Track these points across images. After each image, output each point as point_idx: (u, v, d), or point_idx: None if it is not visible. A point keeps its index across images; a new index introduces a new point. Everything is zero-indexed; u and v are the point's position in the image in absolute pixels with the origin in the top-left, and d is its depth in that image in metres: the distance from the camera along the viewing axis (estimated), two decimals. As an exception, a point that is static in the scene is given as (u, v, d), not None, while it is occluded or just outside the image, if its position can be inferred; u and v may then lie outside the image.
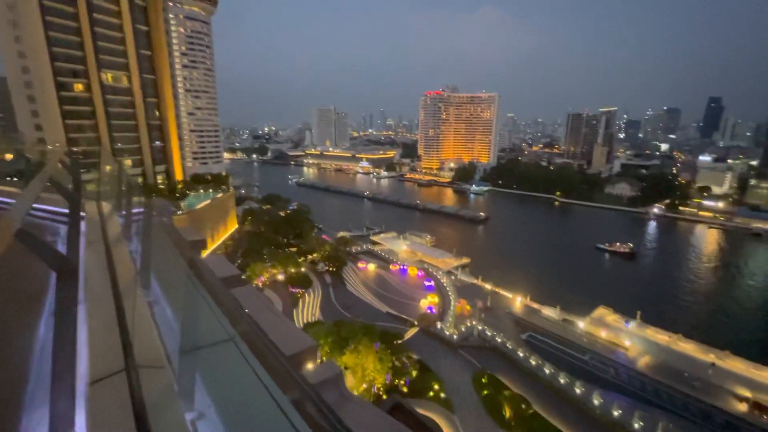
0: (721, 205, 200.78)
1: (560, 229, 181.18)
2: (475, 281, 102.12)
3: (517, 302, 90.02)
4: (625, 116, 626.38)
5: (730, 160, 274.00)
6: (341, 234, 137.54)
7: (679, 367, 66.39)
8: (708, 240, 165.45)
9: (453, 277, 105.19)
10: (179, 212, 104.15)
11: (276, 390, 2.73)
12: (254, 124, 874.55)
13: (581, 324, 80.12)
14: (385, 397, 51.05)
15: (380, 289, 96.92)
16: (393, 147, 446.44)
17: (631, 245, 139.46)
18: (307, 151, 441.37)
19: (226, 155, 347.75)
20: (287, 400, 2.71)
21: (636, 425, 51.45)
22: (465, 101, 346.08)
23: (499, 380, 60.66)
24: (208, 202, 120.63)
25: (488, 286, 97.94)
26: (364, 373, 52.31)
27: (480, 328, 75.14)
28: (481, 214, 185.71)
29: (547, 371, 62.66)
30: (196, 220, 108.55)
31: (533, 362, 65.13)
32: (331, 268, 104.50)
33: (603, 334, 76.74)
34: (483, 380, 60.44)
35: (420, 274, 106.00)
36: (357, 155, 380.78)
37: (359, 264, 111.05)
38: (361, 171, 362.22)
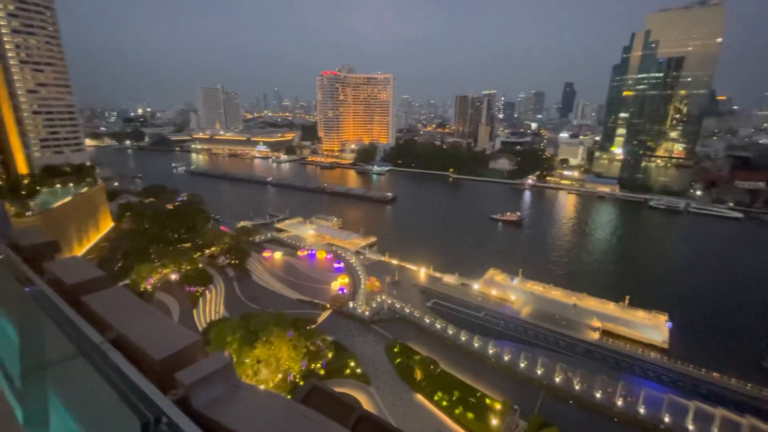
0: (576, 174, 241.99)
1: (458, 203, 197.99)
2: (382, 258, 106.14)
3: (422, 273, 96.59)
4: (503, 98, 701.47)
5: (581, 137, 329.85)
6: (242, 224, 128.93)
7: (551, 311, 79.67)
8: (568, 204, 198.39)
9: (362, 257, 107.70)
10: (28, 213, 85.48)
11: (148, 395, 2.41)
12: (123, 105, 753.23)
13: (476, 286, 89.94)
14: (302, 383, 50.72)
15: (289, 276, 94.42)
16: (292, 129, 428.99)
17: (519, 214, 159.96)
18: (194, 135, 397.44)
19: (89, 142, 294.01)
20: (165, 402, 2.42)
21: (522, 365, 60.53)
22: (362, 82, 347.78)
23: (410, 347, 65.06)
24: (68, 199, 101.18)
25: (395, 262, 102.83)
26: (278, 364, 51.01)
27: (390, 302, 78.95)
28: (389, 194, 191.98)
29: (450, 332, 69.27)
30: (55, 222, 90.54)
31: (438, 326, 71.25)
32: (233, 261, 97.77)
33: (494, 292, 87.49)
34: (395, 350, 64.13)
35: (329, 256, 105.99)
36: (253, 138, 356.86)
37: (264, 253, 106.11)
38: (258, 155, 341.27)
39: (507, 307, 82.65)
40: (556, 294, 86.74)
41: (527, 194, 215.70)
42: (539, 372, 58.75)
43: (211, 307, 79.10)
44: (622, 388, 54.27)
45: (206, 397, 2.56)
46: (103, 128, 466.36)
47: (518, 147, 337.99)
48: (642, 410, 51.62)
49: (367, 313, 75.43)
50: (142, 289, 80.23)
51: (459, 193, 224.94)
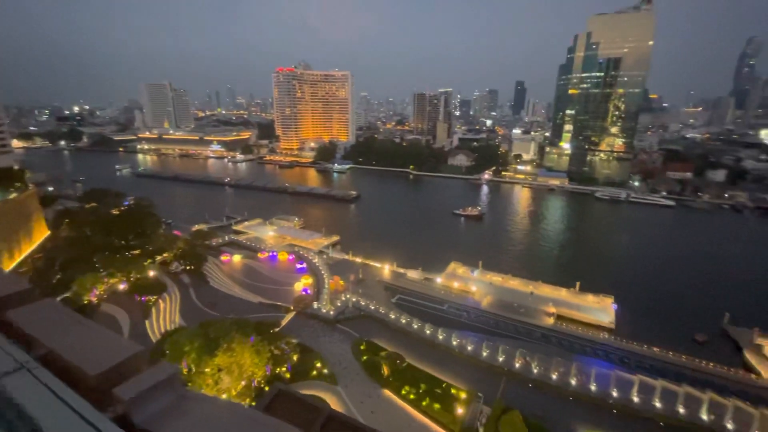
0: (529, 168, 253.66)
1: (420, 200, 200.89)
2: (346, 257, 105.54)
3: (386, 270, 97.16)
4: (458, 96, 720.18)
5: (533, 133, 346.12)
6: (197, 227, 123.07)
7: (510, 299, 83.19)
8: (522, 197, 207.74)
9: (325, 256, 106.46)
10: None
11: (82, 414, 2.19)
12: (56, 103, 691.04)
13: (439, 279, 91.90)
14: (267, 388, 49.35)
15: (250, 279, 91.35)
16: (247, 127, 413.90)
17: (480, 208, 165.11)
18: (140, 135, 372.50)
19: (16, 143, 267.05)
20: (101, 421, 2.21)
21: (484, 353, 62.75)
22: (319, 79, 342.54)
23: (376, 344, 65.32)
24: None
25: (359, 260, 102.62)
26: (241, 370, 49.24)
27: (354, 300, 78.73)
28: (352, 192, 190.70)
29: (415, 326, 70.34)
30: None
31: (403, 321, 72.09)
32: (188, 267, 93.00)
33: (456, 284, 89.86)
34: (362, 347, 64.12)
35: (291, 257, 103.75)
36: (206, 138, 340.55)
37: (222, 257, 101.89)
38: (212, 155, 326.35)
39: (469, 298, 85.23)
40: (514, 283, 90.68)
41: (484, 189, 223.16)
42: (501, 359, 61.20)
43: (165, 316, 74.77)
44: (575, 369, 57.85)
45: (150, 411, 2.37)
46: (33, 128, 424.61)
47: (475, 143, 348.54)
48: (593, 387, 55.34)
49: (332, 312, 74.75)
50: (85, 302, 74.30)
51: (420, 189, 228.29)
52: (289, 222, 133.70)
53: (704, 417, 50.14)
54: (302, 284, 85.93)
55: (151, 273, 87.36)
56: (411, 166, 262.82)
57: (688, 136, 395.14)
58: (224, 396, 47.66)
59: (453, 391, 54.03)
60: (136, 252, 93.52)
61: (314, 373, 57.55)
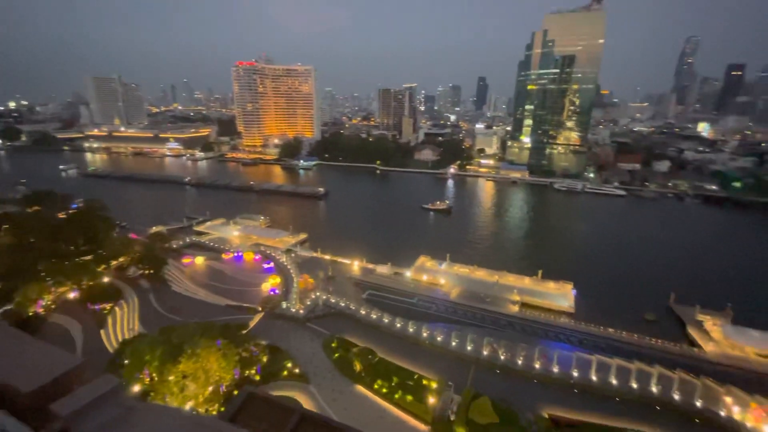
0: (491, 162, 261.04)
1: (388, 195, 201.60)
2: (315, 254, 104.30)
3: (356, 266, 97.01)
4: (423, 92, 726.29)
5: (494, 127, 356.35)
6: (155, 229, 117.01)
7: (477, 290, 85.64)
8: (486, 190, 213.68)
9: (293, 255, 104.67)
10: None
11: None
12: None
13: (408, 273, 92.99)
14: (236, 393, 48.03)
15: (214, 281, 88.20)
16: (207, 124, 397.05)
17: (447, 202, 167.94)
18: (87, 132, 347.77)
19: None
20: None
21: (453, 343, 64.32)
22: (282, 74, 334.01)
23: (348, 340, 65.25)
24: None
25: (328, 257, 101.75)
26: (207, 376, 47.59)
27: (324, 297, 78.07)
28: (320, 189, 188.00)
29: (386, 320, 70.87)
30: None
31: (374, 316, 72.41)
32: (147, 271, 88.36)
33: (425, 278, 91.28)
34: (333, 345, 63.84)
35: (257, 257, 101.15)
36: (162, 135, 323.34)
37: (184, 259, 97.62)
38: (170, 153, 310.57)
39: (437, 290, 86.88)
40: (481, 274, 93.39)
41: (450, 183, 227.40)
42: (469, 348, 62.97)
43: (123, 324, 70.75)
44: (539, 353, 60.61)
45: (91, 426, 2.22)
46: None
47: (440, 138, 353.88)
48: (556, 369, 58.27)
49: (301, 311, 73.77)
50: (31, 313, 68.85)
51: (388, 184, 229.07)
52: (255, 221, 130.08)
53: (654, 390, 54.17)
54: (270, 284, 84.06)
55: (106, 279, 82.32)
56: (378, 162, 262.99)
57: (635, 130, 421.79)
58: (191, 403, 45.95)
59: (424, 382, 55.06)
60: (88, 258, 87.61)
61: (285, 373, 56.68)
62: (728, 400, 51.38)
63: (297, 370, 57.42)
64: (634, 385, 54.96)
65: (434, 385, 53.81)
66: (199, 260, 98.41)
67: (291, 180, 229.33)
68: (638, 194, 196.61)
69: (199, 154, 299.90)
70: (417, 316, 74.06)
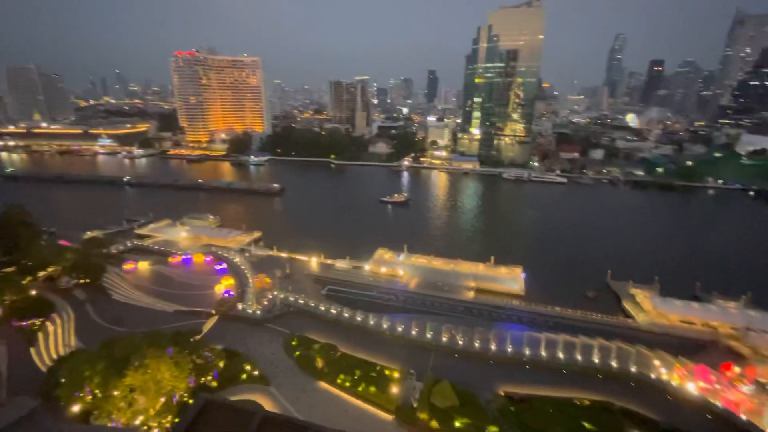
0: (444, 153, 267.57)
1: (345, 189, 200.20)
2: (271, 253, 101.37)
3: (314, 262, 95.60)
4: (375, 84, 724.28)
5: (446, 120, 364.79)
6: (90, 234, 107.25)
7: (434, 279, 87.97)
8: (440, 181, 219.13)
9: (247, 254, 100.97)
10: None
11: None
12: None
13: (367, 267, 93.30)
14: (191, 401, 45.79)
15: (162, 287, 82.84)
16: (145, 119, 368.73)
17: (405, 195, 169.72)
18: (1, 130, 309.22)
19: None
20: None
21: (413, 332, 65.72)
22: (227, 65, 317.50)
23: (309, 338, 64.37)
24: None
25: (285, 255, 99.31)
26: (159, 387, 44.78)
27: (282, 296, 76.24)
28: (276, 185, 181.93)
29: (346, 315, 70.73)
30: None
31: (334, 311, 71.96)
32: (82, 281, 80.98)
33: (383, 270, 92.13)
34: (293, 343, 62.70)
35: (208, 259, 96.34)
36: (92, 131, 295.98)
37: (126, 265, 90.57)
38: (102, 151, 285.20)
39: (396, 282, 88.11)
40: (437, 263, 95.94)
41: (405, 175, 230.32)
42: (429, 336, 64.67)
43: (56, 341, 64.40)
44: (493, 335, 63.68)
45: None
46: None
47: (393, 131, 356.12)
48: (509, 349, 61.58)
49: (259, 312, 71.55)
50: (-58, 337, 60.58)
51: (344, 178, 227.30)
52: (204, 221, 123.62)
53: (596, 360, 59.07)
54: (224, 286, 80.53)
55: (33, 292, 74.32)
56: (332, 156, 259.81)
57: (574, 121, 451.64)
58: (141, 418, 43.10)
59: (387, 372, 55.84)
60: (10, 269, 78.41)
61: (244, 377, 54.83)
62: (657, 363, 57.32)
63: (257, 373, 55.76)
64: (579, 358, 59.53)
65: (396, 374, 54.78)
66: (143, 265, 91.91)
67: (242, 177, 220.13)
68: (577, 181, 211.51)
69: (137, 151, 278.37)
70: (377, 309, 74.65)
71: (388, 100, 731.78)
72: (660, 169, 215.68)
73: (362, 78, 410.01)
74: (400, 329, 66.60)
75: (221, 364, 55.21)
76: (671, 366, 56.37)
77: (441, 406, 48.60)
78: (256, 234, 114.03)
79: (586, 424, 47.49)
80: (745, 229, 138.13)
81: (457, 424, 46.49)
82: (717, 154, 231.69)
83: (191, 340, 58.53)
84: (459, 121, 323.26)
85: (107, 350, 48.29)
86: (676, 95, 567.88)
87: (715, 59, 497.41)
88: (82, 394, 44.45)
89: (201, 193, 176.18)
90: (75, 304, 74.64)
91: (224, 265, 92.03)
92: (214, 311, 72.40)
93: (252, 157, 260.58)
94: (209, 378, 53.00)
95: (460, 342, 63.31)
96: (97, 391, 44.12)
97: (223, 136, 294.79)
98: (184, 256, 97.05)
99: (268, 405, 50.14)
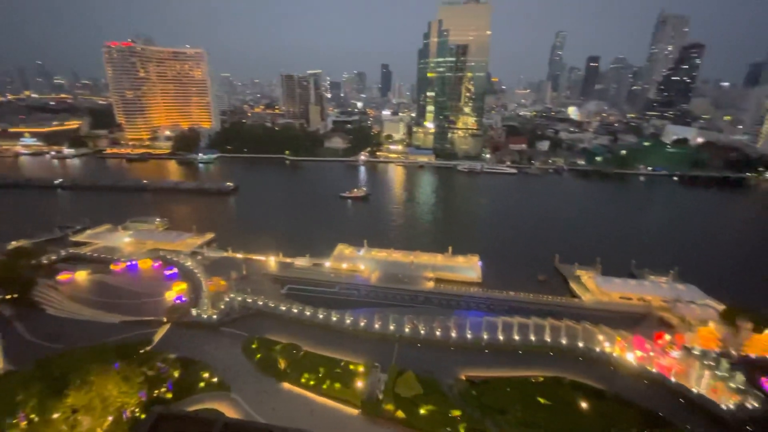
0: (400, 147, 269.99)
1: (303, 185, 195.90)
2: (225, 254, 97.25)
3: (272, 262, 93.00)
4: (328, 78, 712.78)
5: (401, 114, 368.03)
6: (16, 244, 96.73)
7: (395, 271, 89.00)
8: (397, 175, 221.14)
9: (199, 257, 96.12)
10: None
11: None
12: None
13: (327, 263, 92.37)
14: (143, 416, 42.92)
15: (104, 297, 76.71)
16: (75, 115, 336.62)
17: (365, 189, 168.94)
18: None
19: None
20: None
21: (376, 325, 66.18)
22: (168, 57, 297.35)
23: (269, 339, 62.69)
24: None
25: (240, 255, 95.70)
26: (105, 404, 41.62)
27: (240, 298, 73.53)
28: (229, 184, 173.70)
29: (308, 313, 69.69)
30: None
31: (295, 310, 70.61)
32: (9, 296, 72.97)
33: (344, 265, 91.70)
34: (254, 346, 60.81)
35: (157, 264, 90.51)
36: (11, 129, 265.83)
37: (60, 276, 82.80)
38: (25, 151, 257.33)
39: (357, 276, 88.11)
40: (397, 256, 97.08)
41: (362, 170, 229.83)
42: (392, 327, 65.44)
43: (-20, 364, 57.60)
44: (453, 322, 65.75)
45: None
46: None
47: (349, 125, 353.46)
48: (469, 335, 63.92)
49: (215, 316, 68.48)
50: None
51: (300, 174, 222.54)
52: (150, 224, 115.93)
53: (548, 339, 62.96)
54: (175, 292, 76.20)
55: (-52, 312, 65.88)
56: (287, 152, 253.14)
57: (521, 114, 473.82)
58: (87, 439, 39.88)
59: (352, 367, 55.88)
60: None
61: (202, 385, 52.39)
62: (601, 338, 62.20)
63: (215, 380, 53.49)
64: (533, 338, 63.13)
65: (361, 368, 54.99)
66: (81, 275, 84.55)
67: (191, 176, 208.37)
68: (526, 172, 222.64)
69: (68, 150, 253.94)
70: (340, 305, 74.27)
71: (342, 95, 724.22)
72: (599, 158, 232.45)
73: (315, 72, 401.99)
74: (363, 323, 66.76)
75: (176, 373, 52.40)
76: (613, 339, 61.38)
77: (406, 396, 49.54)
78: (209, 235, 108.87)
79: (541, 399, 50.61)
80: (671, 211, 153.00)
81: (422, 411, 47.66)
82: (646, 144, 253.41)
83: (141, 351, 55.04)
84: (413, 114, 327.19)
85: (43, 370, 44.12)
86: (610, 89, 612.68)
87: (643, 56, 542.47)
88: (15, 421, 40.28)
89: (146, 194, 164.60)
90: (1, 322, 67.17)
91: (175, 270, 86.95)
92: (165, 319, 68.32)
93: (200, 154, 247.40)
94: (163, 390, 50.08)
95: (422, 331, 64.71)
96: (33, 416, 40.22)
97: (167, 132, 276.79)
98: (128, 263, 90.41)
99: (229, 412, 48.36)
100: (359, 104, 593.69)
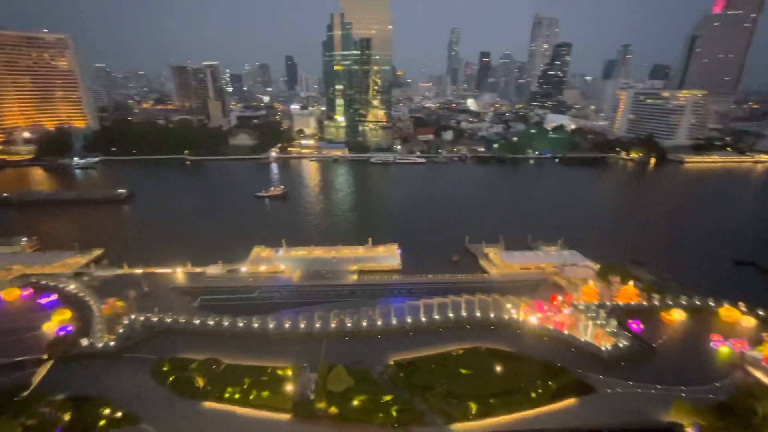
0: (312, 142, 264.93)
1: (210, 187, 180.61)
2: (119, 271, 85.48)
3: (179, 273, 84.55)
4: (227, 70, 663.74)
5: (310, 107, 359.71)
6: None
7: (317, 268, 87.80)
8: (311, 170, 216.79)
9: (86, 278, 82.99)
10: None
11: None
12: None
13: (244, 268, 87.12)
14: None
15: (-46, 342, 61.73)
16: None
17: (282, 187, 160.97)
18: None
19: None
20: None
21: (302, 325, 64.63)
22: (20, 43, 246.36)
23: (182, 359, 57.03)
24: None
25: (139, 271, 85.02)
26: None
27: (142, 318, 65.50)
28: (121, 190, 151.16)
29: (226, 323, 65.05)
30: None
31: (211, 323, 65.35)
32: None
33: (262, 268, 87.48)
34: (164, 368, 54.85)
35: (27, 293, 75.70)
36: None
37: None
38: None
39: (278, 278, 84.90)
40: (319, 252, 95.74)
41: (274, 167, 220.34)
42: (318, 325, 64.55)
43: None
44: (378, 311, 67.38)
45: None
46: None
47: (255, 121, 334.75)
48: (394, 321, 66.15)
49: (112, 342, 59.99)
50: None
51: (204, 176, 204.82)
52: (14, 246, 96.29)
53: (464, 314, 68.25)
54: (55, 323, 64.76)
55: None
56: (186, 151, 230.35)
57: (426, 106, 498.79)
58: None
59: (279, 372, 53.87)
60: None
61: (102, 423, 45.68)
62: (508, 306, 69.51)
63: (119, 414, 47.07)
64: (451, 315, 67.82)
65: (289, 372, 53.34)
66: None
67: (67, 184, 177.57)
68: (434, 160, 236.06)
69: None
70: (261, 310, 70.70)
71: (245, 88, 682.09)
72: (496, 145, 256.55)
73: (211, 63, 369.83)
74: (287, 325, 64.65)
75: (66, 417, 44.91)
76: (518, 306, 69.00)
77: (338, 390, 49.51)
78: (97, 252, 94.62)
79: (462, 370, 54.82)
80: (555, 189, 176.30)
81: (355, 402, 48.18)
82: (533, 131, 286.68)
83: (16, 398, 45.97)
84: (324, 108, 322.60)
85: None
86: (501, 82, 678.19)
87: (526, 52, 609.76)
88: None
89: (6, 209, 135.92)
90: None
91: (53, 297, 73.71)
92: (46, 356, 57.70)
93: (76, 159, 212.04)
94: (52, 438, 42.64)
95: (349, 324, 65.09)
96: None
97: (25, 134, 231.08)
98: (-13, 296, 74.01)
99: (140, 446, 43.17)
100: (266, 98, 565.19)
